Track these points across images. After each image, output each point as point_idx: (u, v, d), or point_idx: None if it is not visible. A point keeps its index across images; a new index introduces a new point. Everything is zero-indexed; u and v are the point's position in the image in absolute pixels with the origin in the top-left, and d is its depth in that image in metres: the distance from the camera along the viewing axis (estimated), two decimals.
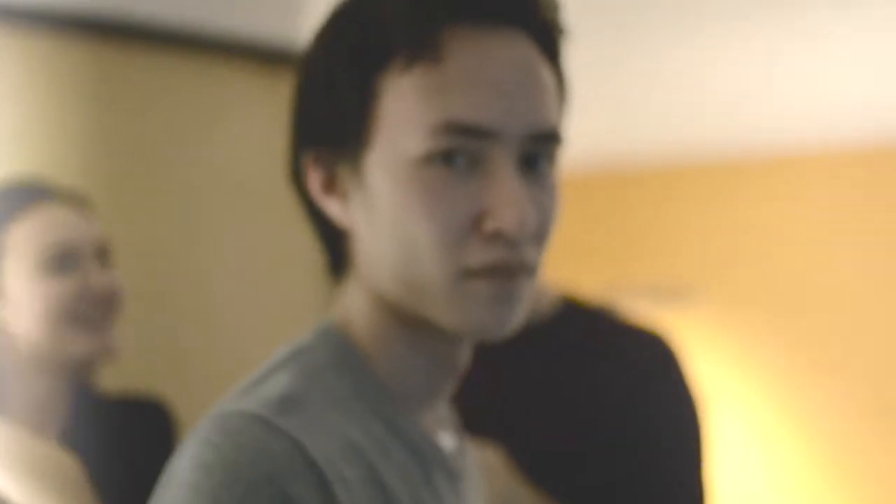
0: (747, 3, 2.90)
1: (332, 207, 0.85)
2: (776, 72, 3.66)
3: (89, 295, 1.46)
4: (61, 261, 1.45)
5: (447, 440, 0.92)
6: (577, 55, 3.36)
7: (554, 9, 0.85)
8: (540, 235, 0.82)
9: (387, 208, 0.80)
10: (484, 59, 0.79)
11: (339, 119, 0.82)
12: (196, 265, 2.48)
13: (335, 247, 0.89)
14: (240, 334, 2.53)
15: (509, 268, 0.80)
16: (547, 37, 0.85)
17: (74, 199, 1.53)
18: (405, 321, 0.85)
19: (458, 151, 0.79)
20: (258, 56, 2.60)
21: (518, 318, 0.82)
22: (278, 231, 2.60)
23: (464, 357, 0.88)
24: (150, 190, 2.44)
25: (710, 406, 5.18)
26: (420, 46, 0.79)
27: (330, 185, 0.85)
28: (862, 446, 4.83)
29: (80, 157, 2.43)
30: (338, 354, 0.85)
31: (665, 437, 1.46)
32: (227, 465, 0.72)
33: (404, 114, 0.79)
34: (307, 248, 2.62)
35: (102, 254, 1.52)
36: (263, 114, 2.61)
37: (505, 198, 0.78)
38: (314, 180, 0.86)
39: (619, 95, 3.97)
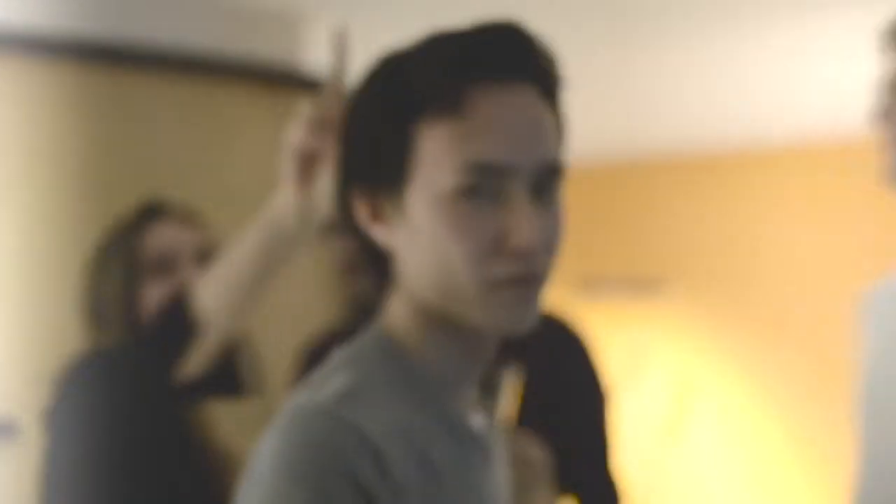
0: (728, 6, 3.05)
1: (379, 233, 1.04)
2: (748, 70, 3.80)
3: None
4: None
5: (478, 421, 1.10)
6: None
7: (554, 63, 1.05)
8: (550, 250, 1.02)
9: (426, 233, 0.99)
10: (499, 110, 0.99)
11: (382, 162, 1.02)
12: None
13: (378, 266, 1.07)
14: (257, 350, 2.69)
15: (526, 278, 0.99)
16: (549, 86, 1.04)
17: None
18: (441, 323, 1.03)
19: (481, 186, 0.98)
20: (262, 78, 2.77)
21: (535, 316, 1.02)
22: None
23: (490, 349, 1.07)
24: None
25: (681, 395, 5.35)
26: (447, 102, 0.99)
27: (376, 215, 1.04)
28: (836, 431, 4.99)
29: (90, 179, 2.58)
30: (386, 353, 1.04)
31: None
32: (302, 450, 0.92)
33: (436, 156, 0.99)
34: (315, 261, 2.79)
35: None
36: (267, 132, 2.77)
37: (521, 222, 0.98)
38: (362, 211, 1.04)
39: (589, 91, 4.06)
